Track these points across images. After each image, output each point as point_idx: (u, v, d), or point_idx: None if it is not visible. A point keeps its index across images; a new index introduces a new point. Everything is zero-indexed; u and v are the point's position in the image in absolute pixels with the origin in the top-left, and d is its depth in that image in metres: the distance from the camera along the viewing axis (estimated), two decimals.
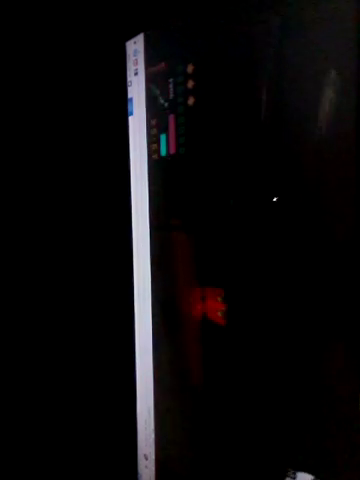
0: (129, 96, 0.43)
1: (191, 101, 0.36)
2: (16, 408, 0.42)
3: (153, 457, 0.42)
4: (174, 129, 0.38)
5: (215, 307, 0.34)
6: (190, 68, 0.36)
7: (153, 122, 0.40)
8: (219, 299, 0.34)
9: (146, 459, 0.43)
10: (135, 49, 0.42)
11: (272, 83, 0.30)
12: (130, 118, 0.44)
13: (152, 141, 0.40)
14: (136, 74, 0.42)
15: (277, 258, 0.30)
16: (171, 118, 0.38)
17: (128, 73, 0.43)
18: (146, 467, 0.43)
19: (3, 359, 0.42)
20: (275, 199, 0.30)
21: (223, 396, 0.35)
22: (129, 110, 0.44)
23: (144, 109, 0.41)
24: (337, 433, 0.27)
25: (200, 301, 0.36)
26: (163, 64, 0.38)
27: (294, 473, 0.29)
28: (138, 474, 0.44)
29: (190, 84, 0.36)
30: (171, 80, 0.38)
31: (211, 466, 0.36)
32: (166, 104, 0.38)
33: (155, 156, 0.40)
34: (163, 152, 0.39)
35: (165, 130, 0.39)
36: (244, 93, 0.32)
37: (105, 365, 0.45)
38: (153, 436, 0.42)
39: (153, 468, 0.42)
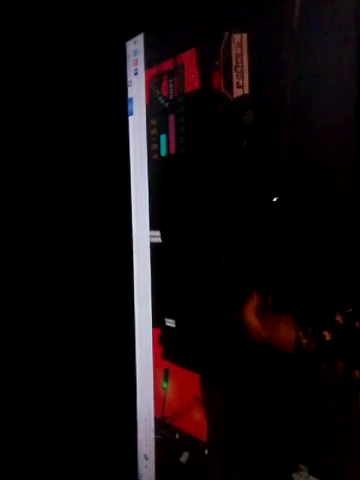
0: (129, 96, 0.43)
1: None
2: (16, 407, 0.42)
3: (153, 457, 0.42)
4: (174, 129, 0.38)
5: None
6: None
7: (153, 122, 0.40)
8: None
9: (146, 459, 0.43)
10: (135, 49, 0.42)
11: (272, 82, 0.30)
12: (130, 118, 0.44)
13: (152, 141, 0.40)
14: (136, 74, 0.42)
15: (277, 255, 0.30)
16: (171, 118, 0.38)
17: (128, 73, 0.43)
18: (146, 467, 0.43)
19: (6, 361, 0.42)
20: (275, 199, 0.30)
21: (223, 396, 0.35)
22: (129, 110, 0.44)
23: (144, 109, 0.41)
24: (337, 433, 0.27)
25: None
26: (164, 64, 0.38)
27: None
28: (138, 474, 0.44)
29: None
30: (171, 80, 0.38)
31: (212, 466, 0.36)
32: (166, 104, 0.38)
33: (155, 156, 0.40)
34: (163, 152, 0.39)
35: (165, 130, 0.39)
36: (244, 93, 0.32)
37: (105, 365, 0.45)
38: (153, 436, 0.42)
39: (153, 468, 0.42)
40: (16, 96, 0.42)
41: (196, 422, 0.32)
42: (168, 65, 0.38)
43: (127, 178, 0.44)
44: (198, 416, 0.31)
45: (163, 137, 0.39)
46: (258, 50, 0.30)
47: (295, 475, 0.29)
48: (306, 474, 0.29)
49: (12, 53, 0.41)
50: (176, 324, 0.36)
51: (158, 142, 0.40)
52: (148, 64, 0.40)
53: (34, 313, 0.43)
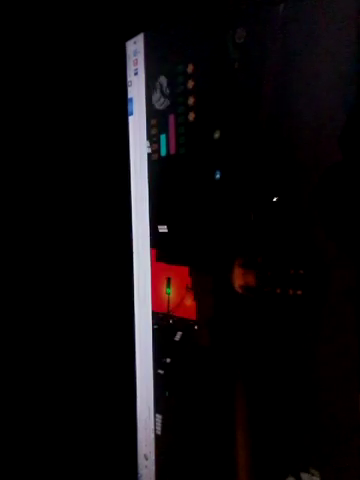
0: (129, 96, 0.43)
1: (191, 101, 0.36)
2: (17, 407, 0.42)
3: (153, 457, 0.42)
4: (174, 129, 0.38)
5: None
6: (190, 68, 0.36)
7: (153, 122, 0.40)
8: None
9: (146, 459, 0.43)
10: (135, 49, 0.42)
11: (272, 82, 0.30)
12: (130, 118, 0.44)
13: (152, 141, 0.40)
14: (136, 74, 0.42)
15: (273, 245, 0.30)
16: (171, 118, 0.38)
17: (128, 73, 0.43)
18: (146, 467, 0.43)
19: (7, 361, 0.42)
20: (275, 199, 0.30)
21: (223, 395, 0.35)
22: (129, 110, 0.44)
23: (144, 109, 0.41)
24: (337, 433, 0.27)
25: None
26: (163, 64, 0.38)
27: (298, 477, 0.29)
28: (138, 474, 0.44)
29: (190, 84, 0.36)
30: (171, 80, 0.38)
31: (211, 466, 0.36)
32: (166, 104, 0.38)
33: (155, 156, 0.40)
34: (163, 152, 0.39)
35: (165, 130, 0.39)
36: (244, 92, 0.32)
37: (105, 365, 0.45)
38: (153, 436, 0.42)
39: (153, 468, 0.42)
40: (17, 96, 0.42)
41: (188, 307, 0.38)
42: (168, 65, 0.38)
43: (127, 178, 0.44)
44: (189, 302, 0.37)
45: (163, 137, 0.39)
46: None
47: (304, 475, 0.29)
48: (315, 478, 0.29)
49: (13, 53, 0.41)
50: (168, 229, 0.40)
51: (158, 142, 0.40)
52: (148, 64, 0.40)
53: (34, 313, 0.43)
